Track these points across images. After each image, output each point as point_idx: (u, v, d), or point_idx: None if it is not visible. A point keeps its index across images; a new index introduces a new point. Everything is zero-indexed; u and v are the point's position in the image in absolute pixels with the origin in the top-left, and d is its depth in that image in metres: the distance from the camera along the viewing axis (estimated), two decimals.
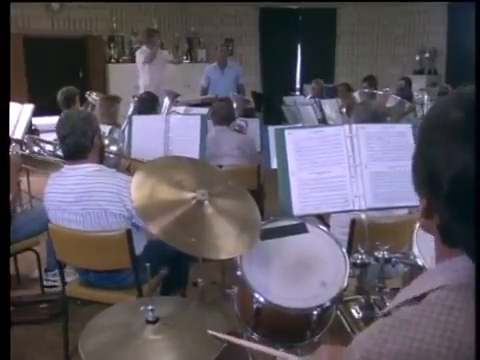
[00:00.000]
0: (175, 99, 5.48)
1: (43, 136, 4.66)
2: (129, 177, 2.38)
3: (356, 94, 5.25)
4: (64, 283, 2.68)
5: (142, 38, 7.05)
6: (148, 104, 4.41)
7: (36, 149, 3.96)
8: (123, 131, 4.03)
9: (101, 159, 2.65)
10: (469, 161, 0.73)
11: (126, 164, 3.32)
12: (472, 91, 0.80)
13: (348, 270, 1.77)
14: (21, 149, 4.01)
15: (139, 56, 6.67)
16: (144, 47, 6.74)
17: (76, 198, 2.44)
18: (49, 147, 3.97)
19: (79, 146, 2.48)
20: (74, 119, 2.51)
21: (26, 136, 4.09)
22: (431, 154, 0.80)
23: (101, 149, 2.67)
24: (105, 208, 2.43)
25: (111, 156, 3.46)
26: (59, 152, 3.66)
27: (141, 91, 5.93)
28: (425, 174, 0.82)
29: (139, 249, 2.55)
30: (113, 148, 3.62)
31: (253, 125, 4.64)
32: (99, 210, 2.43)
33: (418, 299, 0.82)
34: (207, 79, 6.93)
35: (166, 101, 5.27)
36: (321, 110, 5.50)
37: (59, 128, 2.53)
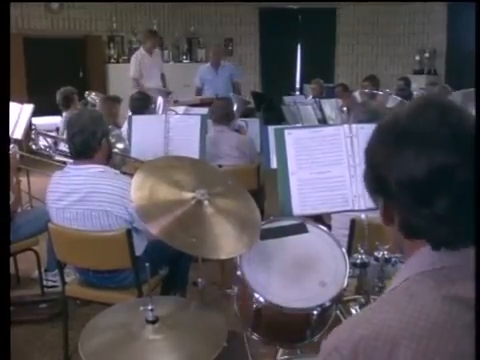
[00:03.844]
0: (168, 97, 5.45)
1: None
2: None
3: (357, 94, 5.24)
4: (64, 283, 2.67)
5: (143, 39, 6.96)
6: (140, 103, 4.40)
7: (42, 145, 3.94)
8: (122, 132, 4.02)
9: (107, 160, 2.64)
10: (408, 163, 0.82)
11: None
12: (426, 97, 0.91)
13: (348, 270, 1.77)
14: (28, 145, 4.00)
15: (133, 62, 6.53)
16: (142, 50, 6.60)
17: (78, 198, 2.44)
18: (53, 143, 3.96)
19: (86, 146, 2.47)
20: (85, 118, 2.50)
21: (33, 131, 4.08)
22: (375, 160, 0.90)
23: (109, 151, 2.66)
24: (106, 210, 2.42)
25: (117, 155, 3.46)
26: (64, 147, 3.66)
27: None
28: (374, 179, 0.91)
29: (140, 250, 2.54)
30: (120, 146, 3.61)
31: (253, 125, 4.63)
32: (101, 211, 2.43)
33: None
34: (201, 79, 6.89)
35: (159, 100, 5.25)
36: (321, 110, 5.49)
37: (69, 126, 2.52)
